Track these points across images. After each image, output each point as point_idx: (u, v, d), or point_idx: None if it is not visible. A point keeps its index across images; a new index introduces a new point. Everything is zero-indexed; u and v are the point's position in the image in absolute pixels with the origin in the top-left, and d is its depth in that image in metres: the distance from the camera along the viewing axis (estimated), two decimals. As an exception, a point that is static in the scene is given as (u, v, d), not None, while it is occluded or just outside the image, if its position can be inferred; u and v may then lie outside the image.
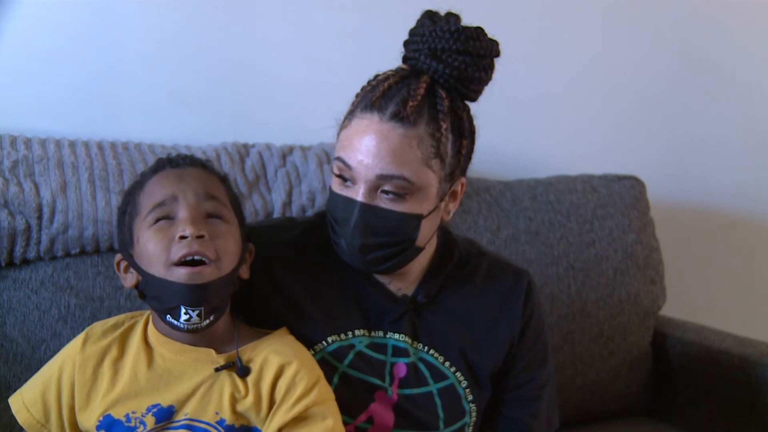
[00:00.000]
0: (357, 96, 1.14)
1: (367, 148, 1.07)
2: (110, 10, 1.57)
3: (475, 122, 1.17)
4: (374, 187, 1.08)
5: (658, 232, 1.86)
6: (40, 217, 1.33)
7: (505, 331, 1.23)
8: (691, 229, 2.21)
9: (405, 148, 1.07)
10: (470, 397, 1.20)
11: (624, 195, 1.81)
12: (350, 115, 1.12)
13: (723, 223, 2.26)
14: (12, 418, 1.07)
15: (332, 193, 1.13)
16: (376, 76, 1.16)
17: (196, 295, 0.98)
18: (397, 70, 1.14)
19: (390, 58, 1.18)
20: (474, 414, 1.20)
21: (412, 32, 1.15)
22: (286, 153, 1.58)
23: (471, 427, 1.21)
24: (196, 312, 0.99)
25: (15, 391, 1.09)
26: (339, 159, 1.11)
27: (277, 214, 1.51)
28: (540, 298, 1.29)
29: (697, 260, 2.23)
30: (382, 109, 1.08)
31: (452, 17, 1.15)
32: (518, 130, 1.98)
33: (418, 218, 1.11)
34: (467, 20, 1.14)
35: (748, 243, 2.30)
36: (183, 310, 0.99)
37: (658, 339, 1.83)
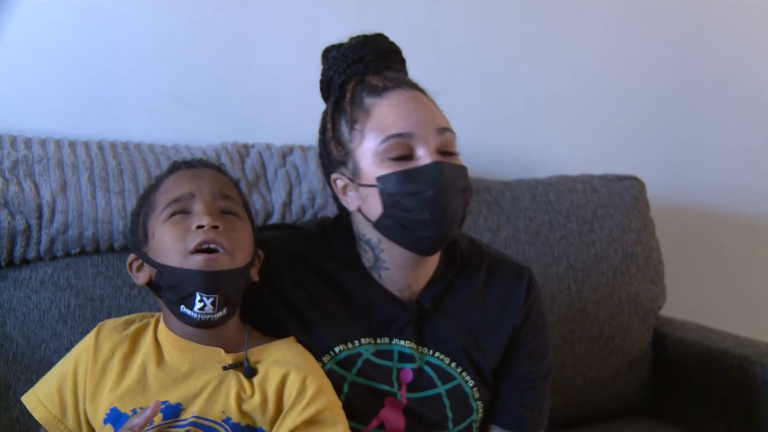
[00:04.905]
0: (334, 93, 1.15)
1: (416, 110, 1.07)
2: (110, 10, 1.57)
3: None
4: (439, 145, 1.07)
5: (658, 232, 1.86)
6: (40, 217, 1.33)
7: (506, 326, 1.23)
8: (691, 229, 2.21)
9: (438, 107, 1.12)
10: (477, 395, 1.21)
11: (624, 195, 1.81)
12: (359, 107, 1.11)
13: (723, 223, 2.25)
14: (13, 418, 1.07)
15: (391, 175, 1.06)
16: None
17: (212, 281, 0.99)
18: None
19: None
20: (480, 411, 1.22)
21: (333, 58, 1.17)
22: (286, 153, 1.58)
23: (477, 423, 1.22)
24: (211, 300, 1.00)
25: (15, 391, 1.09)
26: (391, 137, 1.06)
27: (277, 214, 1.51)
28: (542, 294, 1.29)
29: (697, 260, 2.23)
30: (396, 84, 1.09)
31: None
32: (518, 130, 1.98)
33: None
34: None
35: (748, 243, 2.30)
36: (198, 298, 0.99)
37: (658, 339, 1.83)
